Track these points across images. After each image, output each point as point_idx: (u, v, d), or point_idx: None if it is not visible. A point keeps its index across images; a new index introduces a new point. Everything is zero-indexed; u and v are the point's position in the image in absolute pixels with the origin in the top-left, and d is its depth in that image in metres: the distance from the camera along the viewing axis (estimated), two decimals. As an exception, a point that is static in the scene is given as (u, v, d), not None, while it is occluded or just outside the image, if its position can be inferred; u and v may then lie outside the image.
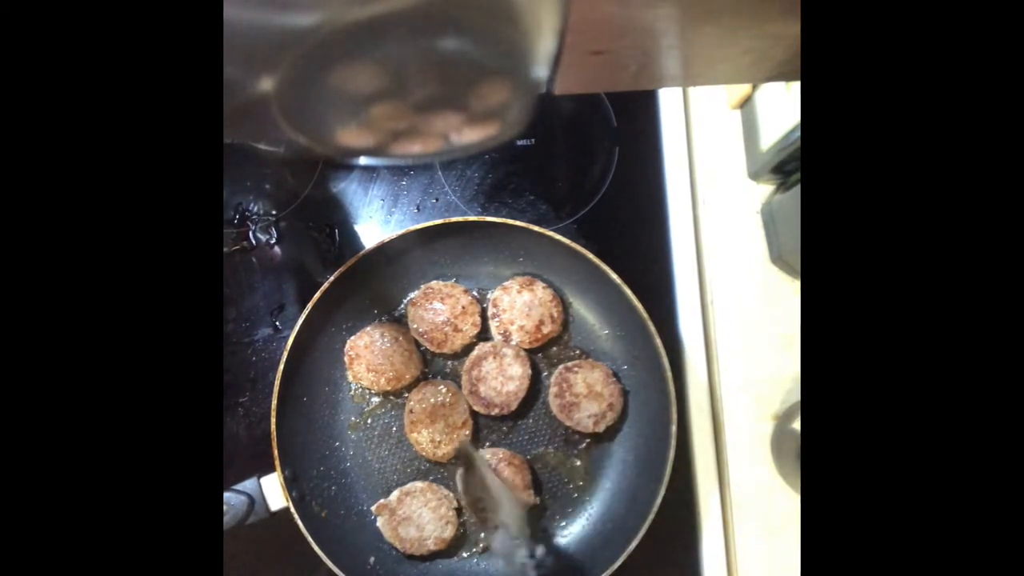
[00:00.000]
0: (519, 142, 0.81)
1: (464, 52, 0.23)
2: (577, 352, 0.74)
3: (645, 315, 0.66)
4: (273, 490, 0.64)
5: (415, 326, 0.71)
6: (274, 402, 0.65)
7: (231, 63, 0.22)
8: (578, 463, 0.72)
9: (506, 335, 0.71)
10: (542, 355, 0.74)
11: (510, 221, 0.68)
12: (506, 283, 0.72)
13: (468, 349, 0.71)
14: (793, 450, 0.67)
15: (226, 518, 0.62)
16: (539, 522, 0.70)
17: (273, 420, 0.65)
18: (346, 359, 0.70)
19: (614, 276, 0.67)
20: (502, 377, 0.69)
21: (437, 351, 0.72)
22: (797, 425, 0.68)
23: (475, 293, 0.74)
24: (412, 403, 0.70)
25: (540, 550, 0.58)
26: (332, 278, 0.68)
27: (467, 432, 0.70)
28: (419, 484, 0.69)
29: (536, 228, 0.68)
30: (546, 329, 0.71)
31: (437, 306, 0.71)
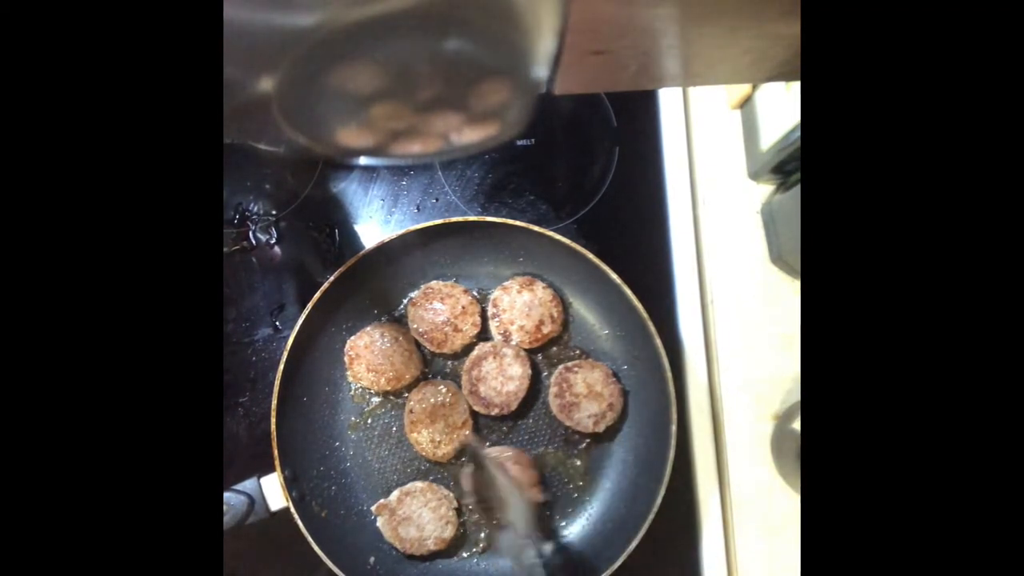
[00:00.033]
0: (519, 142, 0.81)
1: (464, 52, 0.23)
2: (577, 352, 0.74)
3: (645, 315, 0.66)
4: (273, 490, 0.64)
5: (415, 326, 0.71)
6: (274, 402, 0.65)
7: (231, 63, 0.22)
8: (578, 463, 0.72)
9: (506, 335, 0.71)
10: (542, 355, 0.74)
11: (510, 221, 0.68)
12: (506, 283, 0.72)
13: (468, 349, 0.71)
14: (793, 450, 0.67)
15: (226, 518, 0.62)
16: (539, 522, 0.70)
17: (273, 420, 0.65)
18: (346, 359, 0.70)
19: (614, 276, 0.67)
20: (502, 377, 0.69)
21: (437, 351, 0.72)
22: (797, 425, 0.68)
23: (475, 293, 0.74)
24: (412, 403, 0.70)
25: (548, 549, 0.58)
26: (332, 278, 0.68)
27: (468, 432, 0.70)
28: (419, 484, 0.69)
29: (536, 228, 0.68)
30: (546, 329, 0.71)
31: (437, 306, 0.71)
